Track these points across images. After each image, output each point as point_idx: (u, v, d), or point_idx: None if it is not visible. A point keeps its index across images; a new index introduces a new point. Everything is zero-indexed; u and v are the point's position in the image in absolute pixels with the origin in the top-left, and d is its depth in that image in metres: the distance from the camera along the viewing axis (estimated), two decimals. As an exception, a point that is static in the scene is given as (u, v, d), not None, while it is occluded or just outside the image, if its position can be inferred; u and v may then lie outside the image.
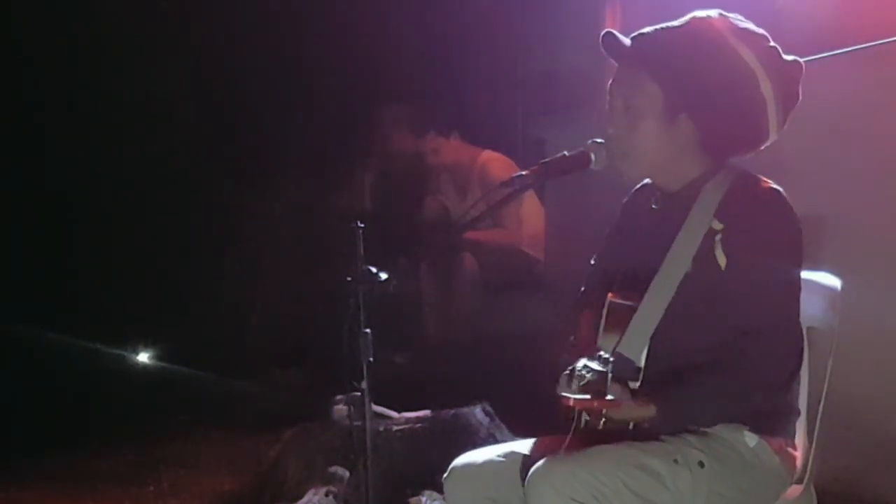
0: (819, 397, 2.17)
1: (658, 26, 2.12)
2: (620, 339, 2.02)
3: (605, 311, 2.07)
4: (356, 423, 2.15)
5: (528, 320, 4.62)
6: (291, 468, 3.62)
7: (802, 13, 3.42)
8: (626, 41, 2.12)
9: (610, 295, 2.09)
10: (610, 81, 2.14)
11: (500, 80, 5.51)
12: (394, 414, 3.65)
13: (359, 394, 2.10)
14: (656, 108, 2.08)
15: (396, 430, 3.56)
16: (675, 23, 2.12)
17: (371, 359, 2.10)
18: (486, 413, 3.67)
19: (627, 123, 2.10)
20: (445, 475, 2.17)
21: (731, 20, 2.10)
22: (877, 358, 3.05)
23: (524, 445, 2.14)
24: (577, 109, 4.29)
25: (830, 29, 3.33)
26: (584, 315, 2.15)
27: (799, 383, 2.13)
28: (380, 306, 2.09)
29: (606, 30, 2.12)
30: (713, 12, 2.11)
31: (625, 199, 2.32)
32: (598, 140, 2.11)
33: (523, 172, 2.11)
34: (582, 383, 1.97)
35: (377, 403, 2.97)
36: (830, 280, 2.23)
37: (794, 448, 2.12)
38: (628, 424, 1.99)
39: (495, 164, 5.09)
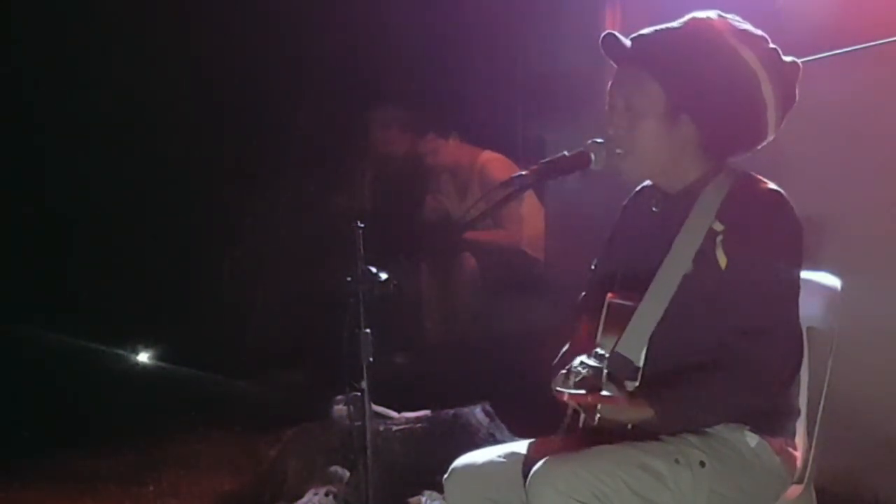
0: (819, 397, 2.17)
1: (658, 27, 2.12)
2: (619, 338, 2.03)
3: (604, 311, 2.08)
4: (356, 423, 2.16)
5: (528, 320, 4.61)
6: (291, 468, 3.62)
7: (802, 13, 3.42)
8: (627, 42, 2.12)
9: (609, 295, 2.09)
10: (610, 82, 2.14)
11: (499, 80, 5.50)
12: (394, 414, 3.65)
13: (359, 394, 2.11)
14: (657, 108, 2.08)
15: (396, 430, 3.56)
16: (675, 24, 2.12)
17: (371, 359, 2.10)
18: (486, 413, 3.67)
19: (628, 123, 2.10)
20: (446, 475, 2.17)
21: (730, 21, 2.10)
22: (877, 358, 3.05)
23: (524, 446, 2.14)
24: (577, 109, 4.28)
25: (830, 29, 3.33)
26: (584, 318, 2.16)
27: (799, 383, 2.14)
28: (380, 306, 2.10)
29: (607, 31, 2.12)
30: (712, 13, 2.11)
31: (625, 202, 2.32)
32: (598, 140, 2.11)
33: (523, 172, 2.11)
34: (577, 379, 1.98)
35: (377, 403, 2.97)
36: (830, 280, 2.24)
37: (795, 448, 2.12)
38: (626, 425, 1.99)
39: (495, 164, 5.09)
